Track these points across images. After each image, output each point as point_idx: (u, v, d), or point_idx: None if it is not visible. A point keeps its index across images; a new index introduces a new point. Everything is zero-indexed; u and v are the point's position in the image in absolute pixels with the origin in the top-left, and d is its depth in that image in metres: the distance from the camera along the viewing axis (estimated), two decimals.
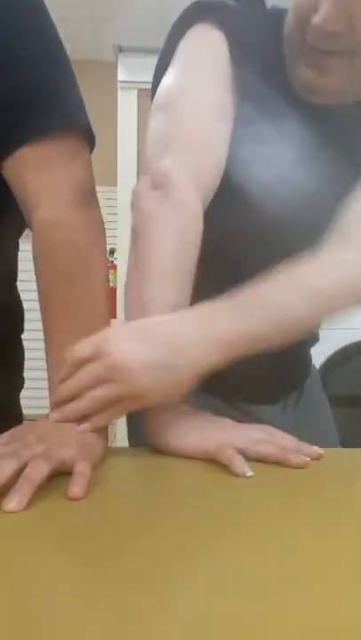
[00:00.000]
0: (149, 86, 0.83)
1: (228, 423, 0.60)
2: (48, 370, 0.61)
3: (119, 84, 3.05)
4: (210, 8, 0.69)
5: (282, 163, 0.70)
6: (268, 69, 0.69)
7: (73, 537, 0.38)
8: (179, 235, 0.64)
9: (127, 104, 3.01)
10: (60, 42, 0.67)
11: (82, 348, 0.54)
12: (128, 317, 0.62)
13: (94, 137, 0.70)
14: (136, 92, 3.08)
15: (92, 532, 0.39)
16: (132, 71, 3.09)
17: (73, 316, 0.62)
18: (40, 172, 0.63)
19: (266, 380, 0.79)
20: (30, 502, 0.43)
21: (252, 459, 0.54)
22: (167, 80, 0.71)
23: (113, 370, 0.52)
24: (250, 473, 0.51)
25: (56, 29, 0.67)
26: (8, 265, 0.75)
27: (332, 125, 0.71)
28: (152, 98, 0.76)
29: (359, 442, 0.94)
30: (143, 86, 3.08)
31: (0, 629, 0.26)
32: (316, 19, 0.61)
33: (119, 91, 3.05)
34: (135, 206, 0.66)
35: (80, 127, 0.67)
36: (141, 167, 0.68)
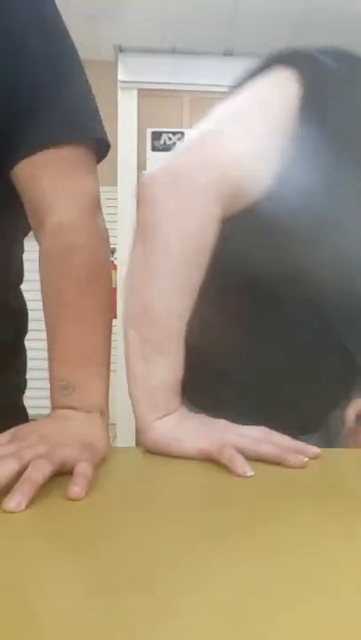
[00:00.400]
0: (149, 86, 0.83)
1: (223, 423, 0.60)
2: (50, 368, 0.61)
3: (119, 84, 3.06)
4: (300, 56, 0.67)
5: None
6: (348, 134, 0.65)
7: (73, 537, 0.38)
8: (192, 238, 0.61)
9: (127, 104, 3.01)
10: (72, 44, 0.67)
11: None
12: (127, 308, 0.63)
13: (108, 146, 0.69)
14: (136, 91, 3.08)
15: (92, 532, 0.39)
16: (132, 71, 3.09)
17: (80, 316, 0.62)
18: (56, 178, 0.63)
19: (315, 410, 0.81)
20: (31, 502, 0.43)
21: (250, 458, 0.54)
22: (225, 105, 0.69)
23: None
24: (250, 472, 0.51)
25: (67, 32, 0.67)
26: (13, 267, 0.75)
27: None
28: None
29: None
30: (143, 86, 3.08)
31: (0, 629, 0.26)
32: None
33: (119, 91, 3.05)
34: (143, 196, 0.62)
35: (95, 139, 0.68)
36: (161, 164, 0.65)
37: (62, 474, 0.48)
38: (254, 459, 0.55)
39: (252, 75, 0.70)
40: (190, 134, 0.67)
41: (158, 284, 0.61)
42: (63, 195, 0.64)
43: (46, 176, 0.63)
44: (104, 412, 0.60)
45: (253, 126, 0.65)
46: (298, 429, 0.77)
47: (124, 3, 2.71)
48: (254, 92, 0.67)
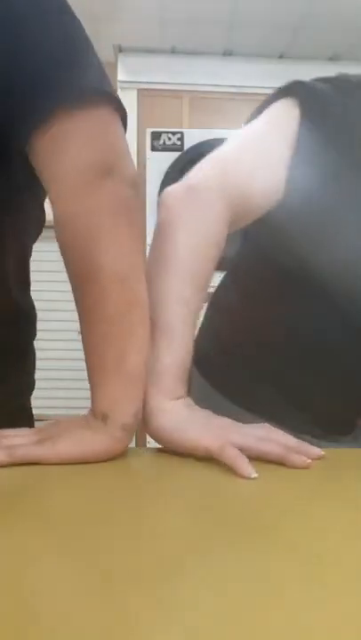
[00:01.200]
0: (149, 86, 0.86)
1: (228, 421, 0.60)
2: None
3: (119, 84, 3.05)
4: (301, 88, 0.75)
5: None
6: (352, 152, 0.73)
7: (73, 537, 0.38)
8: (201, 233, 0.66)
9: (127, 104, 2.98)
10: (77, 20, 0.61)
11: None
12: None
13: (126, 114, 0.62)
14: (136, 91, 3.08)
15: (92, 532, 0.39)
16: (132, 71, 3.08)
17: (90, 317, 0.58)
18: (49, 160, 0.58)
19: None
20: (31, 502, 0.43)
21: (253, 457, 0.54)
22: (235, 135, 0.77)
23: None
24: (255, 474, 0.51)
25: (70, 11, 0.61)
26: (23, 270, 0.75)
27: None
28: None
29: None
30: (143, 86, 3.08)
31: (0, 629, 0.26)
32: None
33: (119, 91, 3.04)
34: (162, 203, 0.69)
35: (84, 97, 0.58)
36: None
37: (63, 472, 0.48)
38: (258, 457, 0.54)
39: (261, 109, 0.78)
40: (205, 159, 0.74)
41: (167, 273, 0.64)
42: (53, 181, 0.58)
43: (39, 162, 0.58)
44: (107, 417, 0.57)
45: (259, 150, 0.74)
46: (330, 432, 0.80)
47: (124, 3, 2.71)
48: (260, 121, 0.77)
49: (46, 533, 0.39)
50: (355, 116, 0.73)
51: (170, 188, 0.70)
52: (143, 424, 0.60)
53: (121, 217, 0.58)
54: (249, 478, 0.50)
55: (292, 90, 0.76)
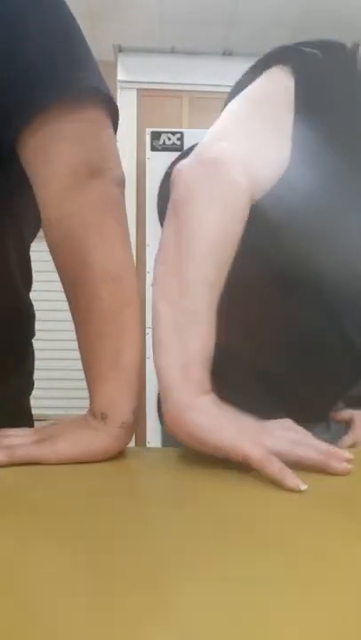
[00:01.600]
0: (149, 86, 0.84)
1: (255, 422, 0.56)
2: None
3: (119, 84, 3.05)
4: (289, 54, 0.71)
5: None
6: (348, 112, 0.70)
7: (73, 537, 0.38)
8: (229, 210, 0.62)
9: (127, 104, 3.01)
10: (71, 15, 0.61)
11: None
12: (158, 283, 0.60)
13: (117, 111, 0.62)
14: (136, 91, 3.08)
15: (92, 532, 0.39)
16: (132, 71, 3.08)
17: (84, 317, 0.59)
18: (37, 161, 0.57)
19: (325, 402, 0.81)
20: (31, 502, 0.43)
21: (289, 463, 0.50)
22: (228, 109, 0.72)
23: None
24: (304, 486, 0.47)
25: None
26: (22, 270, 0.75)
27: None
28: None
29: None
30: (143, 86, 3.08)
31: (0, 629, 0.26)
32: None
33: (119, 90, 3.05)
34: (177, 180, 0.64)
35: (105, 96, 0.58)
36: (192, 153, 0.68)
37: (63, 472, 0.48)
38: (295, 463, 0.51)
39: (249, 78, 0.73)
40: (210, 135, 0.70)
41: (192, 252, 0.59)
42: (39, 184, 0.58)
43: (27, 164, 0.57)
44: (106, 416, 0.57)
45: (254, 127, 0.69)
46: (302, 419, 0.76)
47: (124, 3, 2.70)
48: (252, 93, 0.71)
49: (46, 533, 0.39)
50: (348, 85, 0.70)
51: (183, 164, 0.65)
52: (169, 422, 0.54)
53: (109, 216, 0.58)
54: (298, 490, 0.47)
55: (282, 57, 0.71)
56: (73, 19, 0.61)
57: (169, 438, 0.63)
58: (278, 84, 0.70)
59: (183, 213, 0.61)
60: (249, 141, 0.68)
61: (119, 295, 0.57)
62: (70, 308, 0.59)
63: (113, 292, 0.57)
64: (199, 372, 0.55)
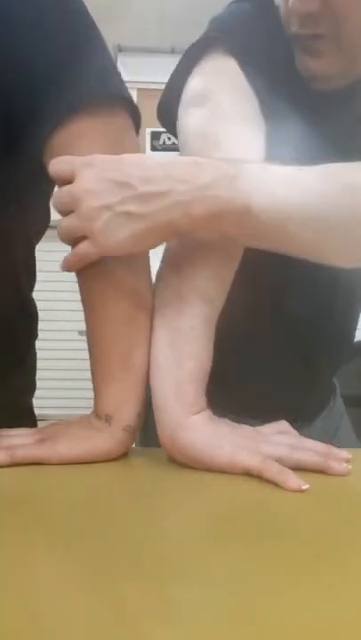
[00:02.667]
0: (149, 86, 0.82)
1: (250, 430, 0.56)
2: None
3: None
4: (220, 37, 0.68)
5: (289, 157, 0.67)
6: (278, 69, 0.68)
7: (74, 537, 0.38)
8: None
9: None
10: (89, 16, 0.59)
11: (59, 162, 0.52)
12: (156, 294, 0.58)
13: (140, 117, 0.61)
14: (136, 91, 3.07)
15: (93, 532, 0.39)
16: (132, 71, 3.08)
17: (97, 317, 0.58)
18: (97, 148, 0.56)
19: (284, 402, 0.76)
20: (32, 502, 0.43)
21: (290, 468, 0.50)
22: (192, 86, 0.67)
23: (74, 200, 0.51)
24: (306, 486, 0.47)
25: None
26: (30, 268, 0.75)
27: (347, 113, 0.70)
28: (158, 116, 0.74)
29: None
30: (143, 86, 3.07)
31: (1, 629, 0.26)
32: (290, 2, 0.61)
33: None
34: None
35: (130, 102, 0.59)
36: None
37: (64, 473, 0.49)
38: (294, 467, 0.50)
39: (190, 64, 0.68)
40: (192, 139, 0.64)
41: (190, 265, 0.57)
42: None
43: (83, 147, 0.56)
44: (111, 418, 0.56)
45: (241, 116, 0.64)
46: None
47: (124, 3, 2.70)
48: (211, 77, 0.67)
49: (47, 534, 0.39)
50: (277, 43, 0.67)
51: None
52: (163, 443, 0.54)
53: None
54: (300, 490, 0.47)
55: (215, 43, 0.67)
56: (93, 22, 0.61)
57: (149, 439, 0.63)
58: (227, 67, 0.66)
59: None
60: (237, 141, 0.62)
61: (132, 297, 0.57)
62: (84, 308, 0.59)
63: (126, 294, 0.57)
64: (193, 391, 0.54)
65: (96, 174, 0.52)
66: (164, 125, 0.75)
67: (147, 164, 0.53)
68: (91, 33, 0.60)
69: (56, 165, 0.53)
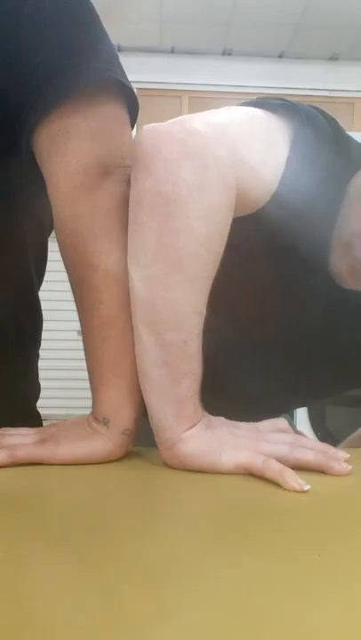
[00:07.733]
0: (149, 86, 0.80)
1: (246, 428, 0.56)
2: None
3: None
4: (294, 111, 0.63)
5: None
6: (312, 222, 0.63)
7: (74, 537, 0.38)
8: (215, 221, 0.54)
9: None
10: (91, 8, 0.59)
11: None
12: (140, 305, 0.55)
13: (137, 106, 0.60)
14: (135, 91, 3.08)
15: (93, 533, 0.39)
16: (132, 71, 3.07)
17: (87, 320, 0.58)
18: (48, 159, 0.56)
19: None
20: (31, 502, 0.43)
21: (289, 467, 0.50)
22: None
23: None
24: (307, 487, 0.47)
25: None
26: (40, 267, 0.74)
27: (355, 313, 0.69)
28: None
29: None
30: (143, 86, 3.08)
31: (0, 629, 0.26)
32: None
33: None
34: (147, 143, 0.53)
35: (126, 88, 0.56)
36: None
37: (64, 473, 0.48)
38: (294, 466, 0.50)
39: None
40: (206, 113, 0.61)
41: (184, 275, 0.53)
42: (49, 184, 0.57)
43: (40, 162, 0.56)
44: (108, 422, 0.56)
45: (268, 136, 0.62)
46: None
47: (124, 3, 2.70)
48: (262, 113, 0.63)
49: (47, 534, 0.39)
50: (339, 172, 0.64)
51: (155, 126, 0.54)
52: (164, 458, 0.55)
53: (116, 218, 0.57)
54: (301, 490, 0.47)
55: (289, 118, 0.63)
56: (90, 8, 0.59)
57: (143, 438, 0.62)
58: (279, 125, 0.63)
59: (169, 217, 0.52)
60: (256, 143, 0.60)
61: (122, 300, 0.57)
62: (77, 310, 0.59)
63: (115, 297, 0.56)
64: (192, 406, 0.54)
65: None
66: None
67: None
68: (80, 18, 0.59)
69: None
